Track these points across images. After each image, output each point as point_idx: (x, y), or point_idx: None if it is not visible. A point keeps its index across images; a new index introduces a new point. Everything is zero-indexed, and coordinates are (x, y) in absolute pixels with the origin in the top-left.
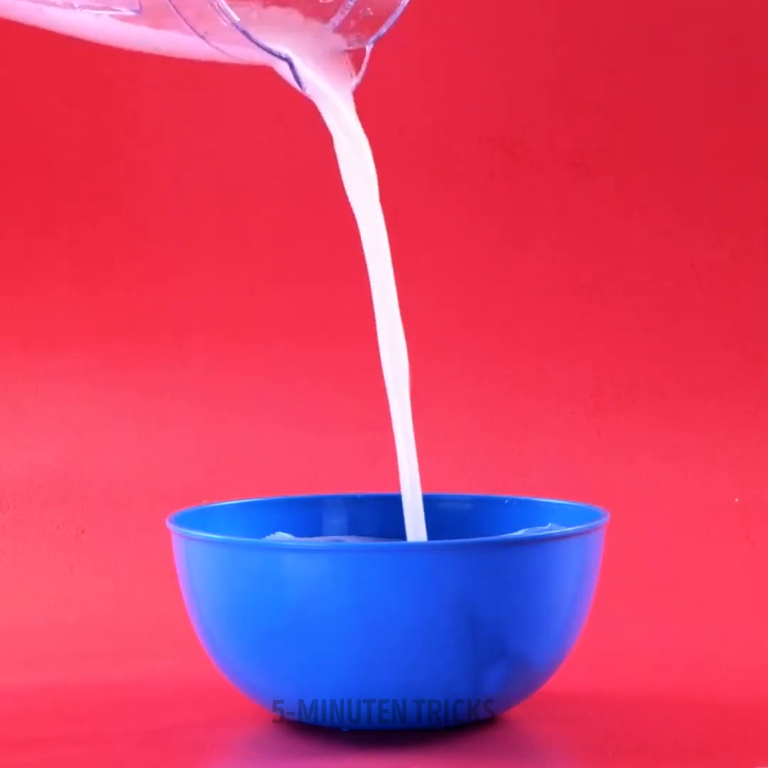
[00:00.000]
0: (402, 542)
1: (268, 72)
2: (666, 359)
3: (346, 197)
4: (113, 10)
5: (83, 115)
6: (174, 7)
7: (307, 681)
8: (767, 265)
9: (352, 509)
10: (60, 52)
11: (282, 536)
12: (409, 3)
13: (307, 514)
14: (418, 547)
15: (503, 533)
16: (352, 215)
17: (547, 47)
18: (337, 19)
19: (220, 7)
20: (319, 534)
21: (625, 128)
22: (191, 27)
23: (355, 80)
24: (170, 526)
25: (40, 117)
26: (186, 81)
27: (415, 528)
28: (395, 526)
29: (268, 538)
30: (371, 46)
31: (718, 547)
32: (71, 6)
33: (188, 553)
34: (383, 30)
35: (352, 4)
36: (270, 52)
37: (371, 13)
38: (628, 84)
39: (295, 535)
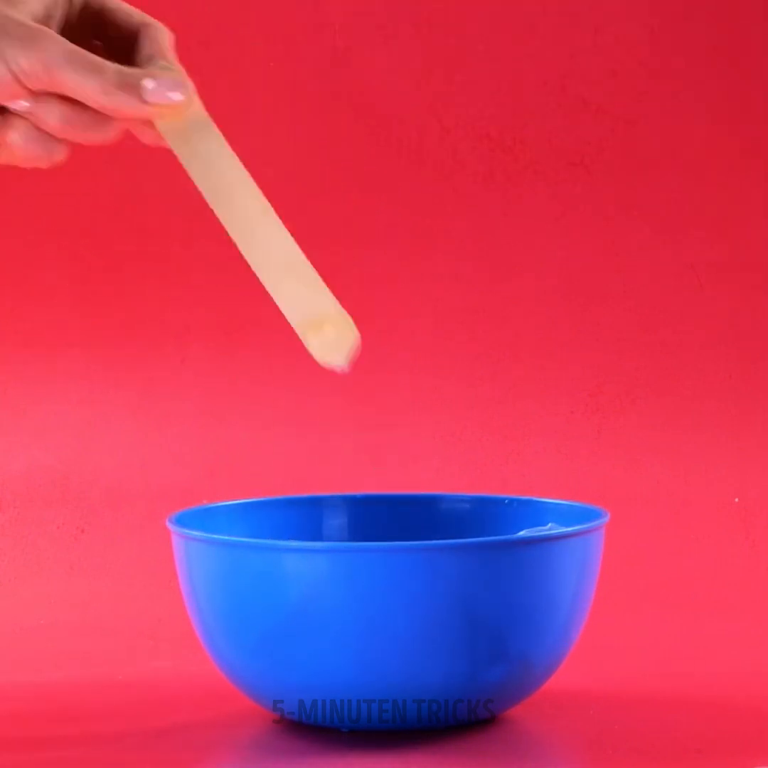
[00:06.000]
0: (402, 542)
1: (268, 81)
2: (666, 359)
3: (345, 197)
4: None
5: None
6: None
7: (307, 681)
8: (767, 265)
9: (352, 509)
10: None
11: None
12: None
13: (307, 514)
14: (418, 547)
15: (503, 533)
16: (351, 216)
17: (547, 47)
18: None
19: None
20: (319, 534)
21: (625, 128)
22: None
23: None
24: (170, 526)
25: None
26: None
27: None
28: (395, 526)
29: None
30: None
31: (718, 547)
32: None
33: (188, 553)
34: None
35: None
36: None
37: None
38: (628, 84)
39: (296, 535)
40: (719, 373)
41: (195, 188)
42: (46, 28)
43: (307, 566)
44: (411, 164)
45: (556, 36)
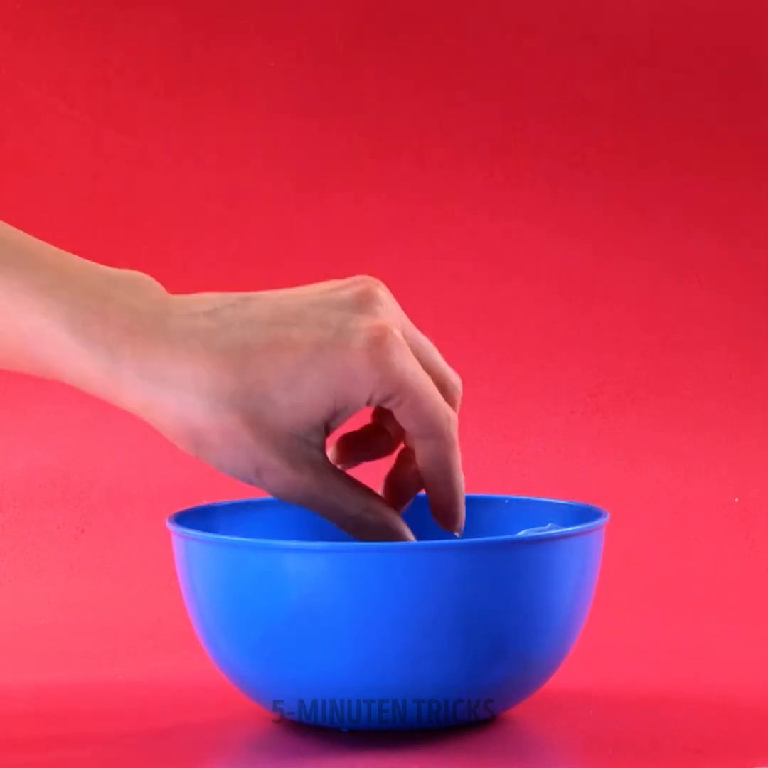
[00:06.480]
0: (402, 542)
1: (268, 81)
2: (666, 359)
3: (345, 197)
4: None
5: (83, 115)
6: None
7: (307, 681)
8: (767, 265)
9: None
10: (61, 52)
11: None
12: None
13: (307, 514)
14: (418, 547)
15: (503, 533)
16: (351, 217)
17: (547, 47)
18: None
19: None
20: (319, 534)
21: (625, 128)
22: None
23: None
24: (170, 526)
25: (40, 117)
26: (185, 81)
27: None
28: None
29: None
30: None
31: (718, 547)
32: None
33: (188, 553)
34: None
35: None
36: None
37: None
38: (628, 84)
39: (296, 535)
40: (719, 373)
41: (196, 185)
42: (304, 478)
43: (307, 566)
44: (411, 164)
45: (556, 36)
